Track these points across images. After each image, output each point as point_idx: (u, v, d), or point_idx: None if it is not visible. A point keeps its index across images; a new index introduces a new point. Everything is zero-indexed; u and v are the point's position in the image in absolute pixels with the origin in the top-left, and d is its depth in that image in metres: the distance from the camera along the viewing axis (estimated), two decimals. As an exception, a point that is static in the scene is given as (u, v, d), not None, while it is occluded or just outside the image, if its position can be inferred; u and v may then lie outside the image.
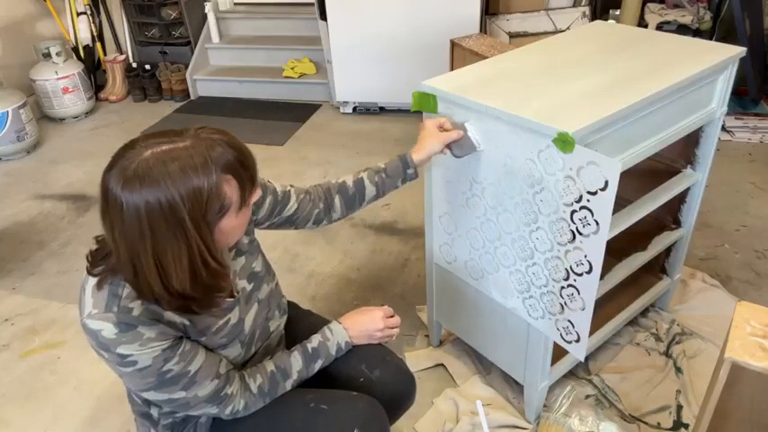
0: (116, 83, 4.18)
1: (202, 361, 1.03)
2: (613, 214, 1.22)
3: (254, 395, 1.12)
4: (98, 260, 0.99)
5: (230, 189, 0.94)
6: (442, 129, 1.35)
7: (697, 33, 3.31)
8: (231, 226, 0.98)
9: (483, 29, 3.39)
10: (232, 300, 1.11)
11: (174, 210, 0.88)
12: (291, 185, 1.31)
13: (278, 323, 1.30)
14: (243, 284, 1.16)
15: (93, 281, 0.97)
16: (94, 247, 1.02)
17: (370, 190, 1.35)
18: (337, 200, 1.34)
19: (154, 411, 1.15)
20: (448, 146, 1.35)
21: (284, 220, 1.29)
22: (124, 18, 4.29)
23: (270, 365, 1.17)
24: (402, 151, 1.36)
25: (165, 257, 0.91)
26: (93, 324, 0.94)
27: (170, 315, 0.99)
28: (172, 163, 0.88)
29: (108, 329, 0.93)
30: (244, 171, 0.95)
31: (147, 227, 0.88)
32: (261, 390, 1.13)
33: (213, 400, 1.06)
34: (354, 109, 3.75)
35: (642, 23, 3.37)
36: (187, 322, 1.02)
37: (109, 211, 0.90)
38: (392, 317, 1.31)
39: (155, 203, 0.87)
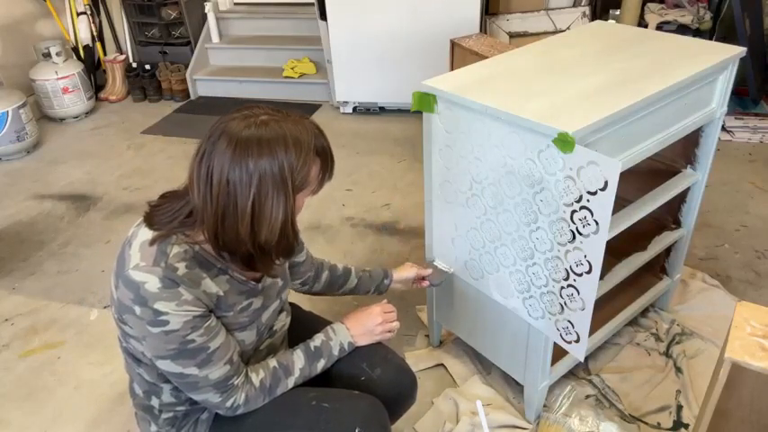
0: (116, 83, 4.18)
1: (221, 342, 1.06)
2: (613, 214, 1.22)
3: (256, 389, 1.13)
4: (157, 216, 1.04)
5: (315, 170, 1.03)
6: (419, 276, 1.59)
7: (697, 33, 3.31)
8: (297, 206, 1.04)
9: (483, 29, 3.39)
10: (255, 284, 1.15)
11: (282, 165, 0.96)
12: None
13: (282, 323, 1.31)
14: (277, 281, 1.23)
15: (143, 237, 1.01)
16: (154, 202, 1.07)
17: (352, 281, 1.51)
18: (325, 275, 1.48)
19: (155, 403, 1.16)
20: (423, 279, 1.60)
21: (289, 264, 1.37)
22: (124, 18, 4.29)
23: (272, 362, 1.18)
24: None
25: (263, 207, 0.97)
26: (138, 275, 0.97)
27: (207, 284, 1.03)
28: (286, 126, 0.99)
29: (152, 282, 0.97)
30: (329, 161, 1.06)
31: (254, 170, 0.95)
32: (262, 384, 1.14)
33: (219, 387, 1.08)
34: (354, 109, 3.75)
35: (642, 23, 3.37)
36: (221, 293, 1.06)
37: (216, 152, 0.96)
38: (390, 312, 1.35)
39: (268, 153, 0.96)
